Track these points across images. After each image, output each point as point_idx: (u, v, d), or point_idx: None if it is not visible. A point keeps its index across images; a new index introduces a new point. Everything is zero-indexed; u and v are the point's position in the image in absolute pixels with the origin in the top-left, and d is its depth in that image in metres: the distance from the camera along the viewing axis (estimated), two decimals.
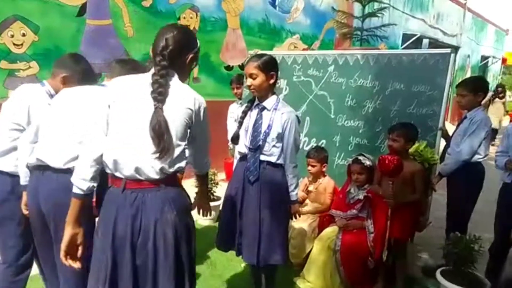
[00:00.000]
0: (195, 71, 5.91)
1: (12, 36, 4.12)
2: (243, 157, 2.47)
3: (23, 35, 4.19)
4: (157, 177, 1.58)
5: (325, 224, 3.06)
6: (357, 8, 7.66)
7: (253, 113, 2.44)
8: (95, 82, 2.27)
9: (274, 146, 2.36)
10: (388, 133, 2.92)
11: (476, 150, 2.97)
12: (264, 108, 2.40)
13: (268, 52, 4.36)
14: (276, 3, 7.11)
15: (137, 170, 1.57)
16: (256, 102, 2.45)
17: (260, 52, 4.22)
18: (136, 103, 1.58)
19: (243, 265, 3.23)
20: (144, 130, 1.54)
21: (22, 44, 4.19)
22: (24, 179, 2.07)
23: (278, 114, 2.36)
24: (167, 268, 1.58)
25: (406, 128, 2.87)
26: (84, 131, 1.83)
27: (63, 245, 1.60)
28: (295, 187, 2.45)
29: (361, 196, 2.79)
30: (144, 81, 1.61)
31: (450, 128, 3.41)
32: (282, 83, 3.97)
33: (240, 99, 4.40)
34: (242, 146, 2.46)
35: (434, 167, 3.09)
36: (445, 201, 3.24)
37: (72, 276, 1.90)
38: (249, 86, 2.38)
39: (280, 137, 2.36)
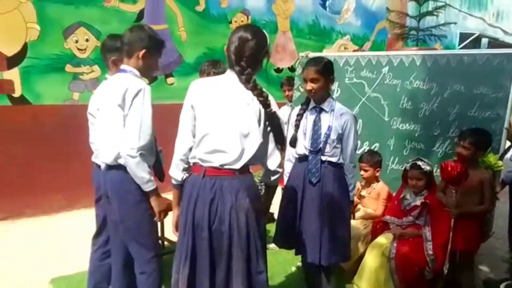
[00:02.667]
0: None
1: (77, 41, 4.39)
2: (302, 159, 2.49)
3: (87, 40, 4.46)
4: (234, 166, 1.74)
5: (378, 230, 2.98)
6: (411, 8, 7.40)
7: (310, 115, 2.47)
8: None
9: (335, 147, 2.40)
10: (459, 139, 2.76)
11: None
12: (322, 110, 2.43)
13: (320, 54, 4.35)
14: (327, 4, 7.04)
15: (215, 159, 1.74)
16: (313, 104, 2.47)
17: (311, 54, 4.23)
18: (221, 105, 1.76)
19: (293, 268, 3.22)
20: (228, 127, 1.74)
21: (85, 49, 4.46)
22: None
23: (337, 115, 2.40)
24: (239, 249, 1.73)
25: (480, 136, 2.70)
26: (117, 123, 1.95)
27: (174, 222, 1.95)
28: (353, 188, 2.51)
29: (418, 203, 2.69)
30: (229, 81, 1.79)
31: None
32: (333, 85, 3.92)
33: (290, 101, 4.39)
34: (301, 148, 2.48)
35: (498, 173, 2.92)
36: (507, 209, 3.05)
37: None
38: (309, 90, 2.40)
39: (339, 138, 2.40)
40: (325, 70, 2.37)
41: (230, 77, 1.80)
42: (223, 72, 2.17)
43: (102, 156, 2.09)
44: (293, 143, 2.50)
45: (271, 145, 1.83)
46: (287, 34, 6.50)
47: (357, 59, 3.87)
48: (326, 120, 2.40)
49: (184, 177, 1.85)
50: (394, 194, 3.06)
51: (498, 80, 3.06)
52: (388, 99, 3.64)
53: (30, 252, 3.46)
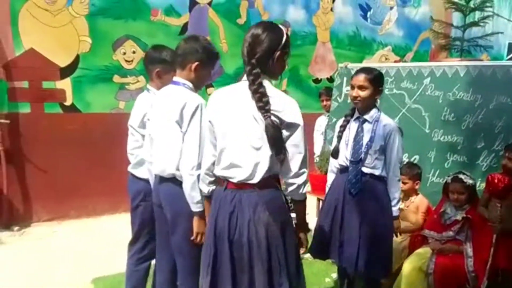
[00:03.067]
0: (284, 84, 6.04)
1: (124, 53, 4.64)
2: (343, 170, 2.46)
3: (133, 52, 4.69)
4: (251, 180, 1.68)
5: (416, 244, 2.89)
6: (456, 18, 7.18)
7: (353, 126, 2.44)
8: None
9: (376, 158, 2.34)
10: (505, 152, 2.69)
11: None
12: (365, 120, 2.39)
13: (358, 65, 4.33)
14: (368, 15, 6.98)
15: (234, 175, 1.70)
16: (357, 115, 2.44)
17: (350, 65, 4.22)
18: (230, 114, 1.69)
19: (327, 279, 3.19)
20: (240, 141, 1.67)
21: (132, 61, 4.69)
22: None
23: (380, 126, 2.35)
24: (260, 261, 1.67)
25: None
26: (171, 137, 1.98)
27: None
28: (398, 202, 2.41)
29: (459, 217, 2.60)
30: (240, 91, 1.69)
31: None
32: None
33: (328, 111, 4.39)
34: (343, 159, 2.45)
35: None
36: None
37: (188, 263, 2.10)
38: (354, 97, 2.37)
39: (382, 150, 2.35)
40: (375, 80, 2.33)
41: (243, 85, 1.69)
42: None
43: (156, 169, 2.11)
44: (336, 154, 2.48)
45: (289, 155, 1.68)
46: (326, 45, 6.50)
47: (397, 69, 3.83)
48: (368, 130, 2.36)
49: (211, 189, 1.85)
50: (433, 208, 2.97)
51: None
52: (429, 110, 3.57)
53: (74, 252, 3.65)
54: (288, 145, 1.66)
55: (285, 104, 1.65)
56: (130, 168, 2.45)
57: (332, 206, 2.47)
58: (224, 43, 5.32)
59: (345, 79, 4.20)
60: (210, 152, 1.80)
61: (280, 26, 1.73)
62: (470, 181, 2.60)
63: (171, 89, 2.03)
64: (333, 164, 2.59)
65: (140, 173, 2.36)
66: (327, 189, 2.62)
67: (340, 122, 2.53)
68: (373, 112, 2.39)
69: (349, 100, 4.13)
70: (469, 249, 2.52)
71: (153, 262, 2.45)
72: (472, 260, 2.52)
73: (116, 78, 4.63)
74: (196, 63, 1.98)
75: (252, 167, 1.66)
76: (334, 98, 4.26)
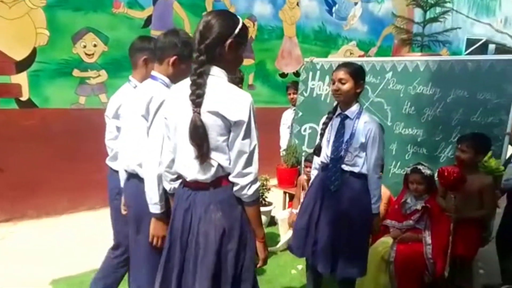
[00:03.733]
0: (251, 78, 6.03)
1: (85, 46, 4.47)
2: (324, 167, 2.45)
3: (94, 45, 4.53)
4: (204, 180, 1.59)
5: (378, 234, 2.97)
6: (417, 14, 7.42)
7: (335, 123, 2.42)
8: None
9: (357, 156, 2.32)
10: (457, 143, 2.79)
11: None
12: (346, 117, 2.37)
13: (324, 60, 4.38)
14: (333, 10, 7.08)
15: (185, 173, 1.63)
16: (338, 111, 2.43)
17: (316, 59, 4.26)
18: (180, 109, 1.58)
19: (293, 271, 3.23)
20: (186, 135, 1.57)
21: (93, 54, 4.54)
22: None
23: (361, 123, 2.32)
24: (204, 266, 1.56)
25: (477, 139, 2.72)
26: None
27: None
28: (377, 199, 2.39)
29: (418, 207, 2.69)
30: (188, 83, 1.56)
31: None
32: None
33: (294, 105, 4.42)
34: (324, 156, 2.44)
35: (499, 179, 2.91)
36: None
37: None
38: (335, 91, 2.34)
39: (363, 147, 2.32)
40: (355, 73, 2.31)
41: None
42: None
43: (123, 163, 2.06)
44: (318, 152, 2.47)
45: (233, 153, 1.55)
46: (293, 40, 6.54)
47: (361, 64, 3.88)
48: (349, 127, 2.34)
49: (173, 187, 1.76)
50: (395, 199, 3.06)
51: (501, 85, 3.05)
52: (391, 104, 3.65)
53: (32, 254, 3.51)
54: (234, 142, 1.53)
55: (232, 102, 1.50)
56: (107, 161, 2.38)
57: (311, 203, 2.46)
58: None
59: (310, 73, 4.24)
60: (168, 149, 1.72)
61: (237, 16, 1.63)
62: (428, 172, 2.69)
63: (148, 84, 1.96)
64: (316, 162, 2.58)
65: (117, 166, 2.27)
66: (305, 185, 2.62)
67: (323, 119, 2.50)
68: (355, 108, 2.37)
69: (315, 94, 4.21)
70: (428, 237, 2.61)
71: None
72: (431, 248, 2.62)
73: (76, 72, 4.46)
74: (174, 57, 1.91)
75: (202, 165, 1.57)
76: (300, 92, 4.30)
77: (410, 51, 6.27)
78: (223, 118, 1.50)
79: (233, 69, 1.66)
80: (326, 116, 2.50)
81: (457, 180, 2.43)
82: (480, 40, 9.84)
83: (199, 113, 1.49)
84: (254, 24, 6.00)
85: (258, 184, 1.60)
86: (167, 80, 1.95)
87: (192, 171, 1.60)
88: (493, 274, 3.11)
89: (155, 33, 4.91)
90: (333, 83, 2.37)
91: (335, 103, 2.48)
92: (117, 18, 4.66)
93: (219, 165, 1.56)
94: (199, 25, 1.55)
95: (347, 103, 2.37)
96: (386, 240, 2.84)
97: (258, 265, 1.72)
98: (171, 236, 1.68)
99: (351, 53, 7.35)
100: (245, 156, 1.53)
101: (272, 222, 4.11)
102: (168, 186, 1.78)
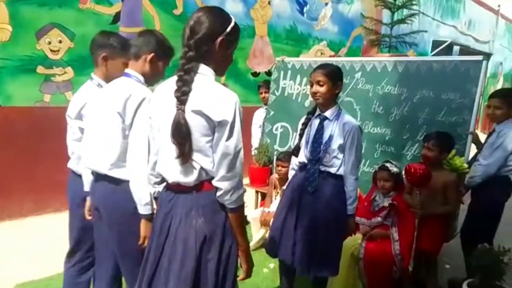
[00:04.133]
0: (223, 77, 6.00)
1: (49, 43, 4.32)
2: (303, 167, 2.45)
3: (60, 42, 4.38)
4: (186, 182, 1.51)
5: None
6: (386, 15, 7.60)
7: (314, 124, 2.43)
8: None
9: (335, 157, 2.34)
10: (423, 142, 2.87)
11: (503, 163, 2.88)
12: (325, 118, 2.39)
13: (295, 59, 4.41)
14: (304, 10, 7.15)
15: (167, 175, 1.57)
16: (318, 112, 2.43)
17: (287, 58, 4.29)
18: (164, 108, 1.51)
19: (265, 270, 3.24)
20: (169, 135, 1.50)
21: (58, 51, 4.39)
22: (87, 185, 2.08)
23: (340, 125, 2.34)
24: (181, 275, 1.47)
25: (442, 137, 2.81)
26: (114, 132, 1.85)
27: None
28: (353, 201, 2.41)
29: (386, 204, 2.75)
30: (173, 82, 1.50)
31: (481, 136, 3.32)
32: (308, 89, 3.98)
33: (266, 104, 4.43)
34: (302, 157, 2.44)
35: (463, 176, 3.02)
36: None
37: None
38: (314, 93, 2.35)
39: (341, 148, 2.34)
40: (332, 74, 2.32)
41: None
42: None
43: (92, 164, 1.95)
44: (296, 152, 2.46)
45: (217, 155, 1.47)
46: (264, 39, 6.55)
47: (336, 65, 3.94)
48: (328, 129, 2.36)
49: (157, 191, 1.74)
50: (364, 196, 3.12)
51: (465, 86, 3.16)
52: (360, 103, 3.72)
53: None
54: (218, 144, 1.45)
55: (217, 101, 1.43)
56: (69, 164, 2.26)
57: (288, 204, 2.46)
58: None
59: (282, 72, 4.26)
60: (152, 151, 1.67)
61: (227, 13, 1.57)
62: (395, 169, 2.75)
63: (122, 82, 1.90)
64: (294, 162, 2.58)
65: (81, 169, 2.16)
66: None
67: (302, 120, 2.50)
68: (334, 109, 2.38)
69: (286, 93, 4.24)
70: (395, 233, 2.68)
71: None
72: (398, 244, 2.68)
73: (41, 69, 4.30)
74: (152, 54, 1.89)
75: (184, 167, 1.49)
76: (272, 91, 4.31)
77: (379, 52, 6.40)
78: (207, 118, 1.43)
79: (222, 69, 1.59)
80: (305, 116, 2.50)
81: (423, 176, 2.51)
82: (446, 42, 10.21)
83: (183, 111, 1.42)
84: None
85: (242, 190, 1.52)
86: (141, 78, 1.91)
87: (174, 172, 1.52)
88: (458, 269, 3.23)
89: (124, 30, 4.81)
90: (311, 86, 2.38)
91: (306, 103, 2.50)
92: (84, 13, 4.53)
93: (201, 168, 1.48)
94: (190, 20, 1.49)
95: (326, 104, 2.38)
96: (355, 237, 2.89)
97: (240, 278, 1.61)
98: (152, 237, 1.64)
99: (322, 53, 7.45)
100: (229, 159, 1.45)
101: (244, 221, 4.11)
102: (152, 190, 1.75)
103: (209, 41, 1.47)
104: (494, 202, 2.95)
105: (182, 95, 1.43)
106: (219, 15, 1.52)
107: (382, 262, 2.65)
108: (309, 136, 2.41)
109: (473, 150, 3.23)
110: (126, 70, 1.93)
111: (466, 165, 2.99)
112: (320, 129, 2.38)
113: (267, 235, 3.62)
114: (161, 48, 1.92)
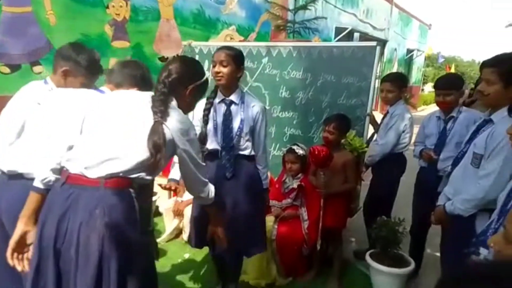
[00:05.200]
0: None
1: None
2: (215, 154, 2.37)
3: None
4: (95, 177, 1.43)
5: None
6: (291, 1, 7.81)
7: (220, 109, 2.35)
8: (99, 75, 2.12)
9: (247, 140, 2.35)
10: (324, 125, 2.97)
11: (397, 142, 3.13)
12: (232, 102, 2.34)
13: (203, 43, 4.32)
14: None
15: (87, 167, 1.45)
16: (221, 97, 2.35)
17: (194, 43, 4.18)
18: (117, 115, 1.53)
19: (179, 260, 3.19)
20: (115, 138, 1.49)
21: None
22: None
23: (249, 108, 2.34)
24: (83, 279, 1.37)
25: (341, 120, 2.94)
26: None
27: (12, 242, 1.49)
28: (266, 177, 2.51)
29: (295, 185, 2.86)
30: (136, 98, 1.62)
31: (378, 117, 3.58)
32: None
33: None
34: (213, 144, 2.36)
35: (363, 155, 3.24)
36: None
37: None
38: (217, 73, 2.26)
39: (251, 130, 2.36)
40: (236, 57, 2.29)
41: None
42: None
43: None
44: (203, 140, 2.35)
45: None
46: (171, 22, 6.31)
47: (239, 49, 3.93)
48: (237, 113, 2.33)
49: (48, 179, 1.53)
50: (275, 179, 3.20)
51: (362, 70, 3.36)
52: (268, 88, 3.78)
53: None
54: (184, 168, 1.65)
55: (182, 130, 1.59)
56: None
57: None
58: (51, 15, 4.65)
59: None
60: (70, 141, 1.55)
61: (201, 65, 1.84)
62: (301, 152, 2.86)
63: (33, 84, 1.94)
64: (207, 147, 2.47)
65: None
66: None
67: (203, 105, 2.37)
68: (238, 93, 2.35)
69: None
70: (304, 213, 2.80)
71: None
72: (307, 223, 2.81)
73: None
74: (135, 88, 1.98)
75: (104, 156, 1.46)
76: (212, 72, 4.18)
77: (286, 38, 6.58)
78: (173, 142, 1.55)
79: (183, 110, 1.69)
80: (205, 101, 2.39)
81: (326, 158, 2.64)
82: (347, 29, 10.83)
83: (163, 123, 1.51)
84: (127, 4, 5.61)
85: (212, 188, 1.84)
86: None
87: (89, 161, 1.45)
88: (362, 241, 3.50)
89: (7, 9, 4.26)
90: (214, 66, 2.30)
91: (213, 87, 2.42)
92: None
93: (138, 162, 1.48)
94: (172, 62, 1.73)
95: (228, 87, 2.32)
96: (269, 219, 2.96)
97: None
98: (40, 246, 1.42)
99: (231, 38, 7.40)
100: (198, 180, 1.73)
101: (157, 212, 3.98)
102: (45, 175, 1.51)
103: (182, 85, 1.69)
104: (391, 177, 3.20)
105: (160, 113, 1.52)
106: (198, 68, 1.80)
107: (293, 241, 2.77)
108: (216, 122, 2.35)
109: (370, 130, 3.48)
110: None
111: (365, 145, 3.21)
112: (229, 115, 2.33)
113: (181, 226, 3.56)
114: (143, 82, 2.04)
